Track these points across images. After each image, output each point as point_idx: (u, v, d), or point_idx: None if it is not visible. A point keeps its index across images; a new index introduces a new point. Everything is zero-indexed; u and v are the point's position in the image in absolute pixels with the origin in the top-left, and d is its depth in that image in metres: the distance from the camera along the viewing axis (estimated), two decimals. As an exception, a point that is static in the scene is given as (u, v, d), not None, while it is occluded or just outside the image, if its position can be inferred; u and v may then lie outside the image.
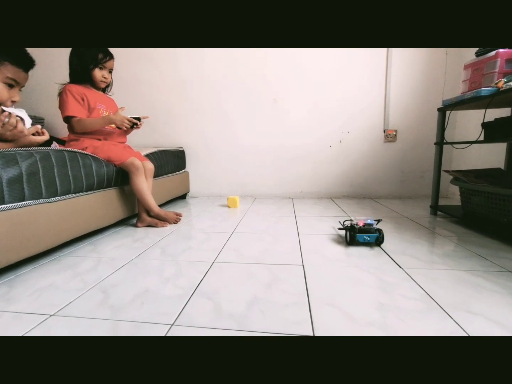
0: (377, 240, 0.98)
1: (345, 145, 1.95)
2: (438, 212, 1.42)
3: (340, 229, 1.13)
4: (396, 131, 1.89)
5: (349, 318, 0.57)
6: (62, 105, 1.14)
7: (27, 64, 0.82)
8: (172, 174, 1.79)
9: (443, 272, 0.77)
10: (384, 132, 1.90)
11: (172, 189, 1.78)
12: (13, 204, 0.76)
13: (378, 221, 1.04)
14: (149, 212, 1.31)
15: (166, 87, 2.04)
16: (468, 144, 1.18)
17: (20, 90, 0.82)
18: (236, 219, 1.42)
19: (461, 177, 1.24)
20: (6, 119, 0.76)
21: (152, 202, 1.25)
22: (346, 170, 1.97)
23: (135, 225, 1.30)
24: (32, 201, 0.82)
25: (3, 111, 0.77)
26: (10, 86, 0.80)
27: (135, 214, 1.38)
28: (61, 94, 1.16)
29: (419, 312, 0.58)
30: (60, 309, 0.62)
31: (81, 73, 1.17)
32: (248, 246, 1.01)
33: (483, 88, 1.06)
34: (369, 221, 1.01)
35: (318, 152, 1.98)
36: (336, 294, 0.67)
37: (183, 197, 2.08)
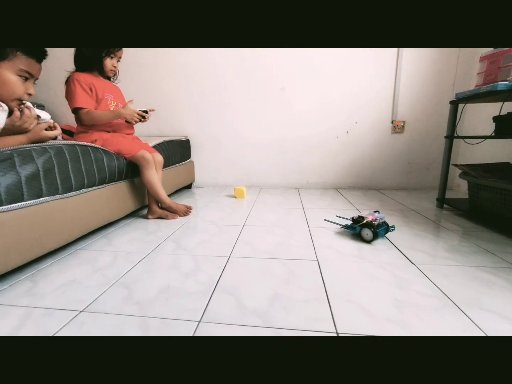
0: (387, 231, 1.03)
1: (352, 136, 1.93)
2: (445, 205, 1.44)
3: (346, 226, 1.08)
4: (404, 122, 1.87)
5: (368, 314, 0.60)
6: (70, 96, 1.11)
7: (40, 54, 0.79)
8: (178, 164, 1.78)
9: (454, 268, 0.79)
10: (392, 123, 1.88)
11: (179, 180, 1.78)
12: (32, 201, 0.76)
13: (377, 211, 1.08)
14: (159, 204, 1.31)
15: (170, 75, 1.98)
16: (481, 140, 1.17)
17: (34, 83, 0.80)
18: (245, 210, 1.43)
19: (470, 171, 1.24)
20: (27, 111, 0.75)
21: (164, 195, 1.26)
22: (352, 161, 1.97)
23: (146, 217, 1.31)
24: (49, 197, 0.82)
25: (22, 103, 0.76)
26: (25, 79, 0.77)
27: (144, 205, 1.39)
28: (68, 83, 1.12)
29: (435, 309, 0.61)
30: (88, 305, 0.64)
31: (91, 61, 1.13)
32: (261, 240, 1.03)
33: (499, 83, 1.04)
34: (377, 215, 1.03)
35: (325, 143, 1.97)
36: (353, 290, 0.69)
37: (188, 187, 2.08)
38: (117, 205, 1.16)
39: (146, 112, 1.26)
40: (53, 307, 0.64)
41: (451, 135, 1.33)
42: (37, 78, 0.81)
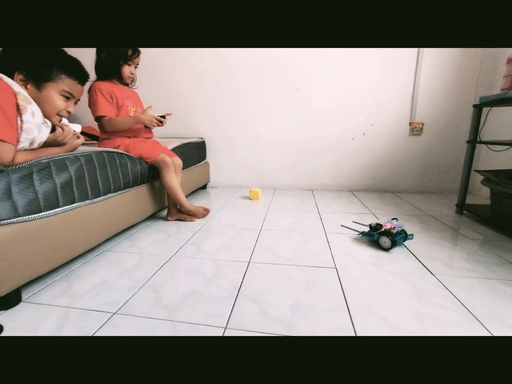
0: (405, 239, 1.03)
1: (368, 138, 1.91)
2: (464, 212, 1.41)
3: (364, 233, 1.07)
4: (422, 124, 1.83)
5: (389, 326, 0.61)
6: (92, 104, 1.16)
7: (83, 77, 0.85)
8: (194, 166, 1.82)
9: (476, 281, 0.79)
10: (410, 125, 1.85)
11: (195, 181, 1.82)
12: (66, 207, 0.81)
13: (396, 219, 1.07)
14: (178, 206, 1.36)
15: (187, 77, 2.01)
16: (508, 147, 1.14)
17: (75, 103, 0.85)
18: (261, 213, 1.45)
19: (493, 177, 1.22)
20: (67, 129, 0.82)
21: (183, 198, 1.30)
22: (368, 163, 1.95)
23: (166, 219, 1.36)
24: (80, 203, 0.87)
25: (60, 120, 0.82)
26: (67, 98, 0.82)
27: (163, 208, 1.43)
28: (90, 92, 1.17)
29: (457, 324, 0.61)
30: (120, 307, 0.69)
31: (110, 69, 1.17)
32: (279, 245, 1.05)
33: (528, 88, 1.01)
34: (397, 224, 1.03)
35: (340, 145, 1.95)
36: (373, 300, 0.71)
37: (203, 187, 2.12)
38: (139, 208, 1.21)
39: (163, 117, 1.30)
40: (88, 308, 0.68)
41: (473, 140, 1.30)
42: (78, 99, 0.86)
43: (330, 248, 1.02)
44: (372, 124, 1.88)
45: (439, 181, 1.90)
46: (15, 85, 0.69)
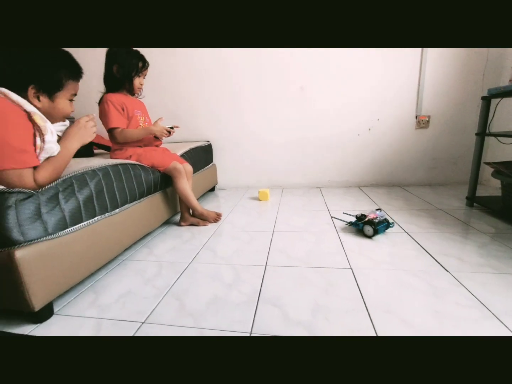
0: (387, 228, 1.14)
1: (375, 133, 1.91)
2: (475, 204, 1.42)
3: (351, 223, 1.19)
4: (429, 117, 1.82)
5: (409, 326, 0.63)
6: (104, 116, 1.19)
7: (80, 74, 0.85)
8: (203, 169, 1.84)
9: (491, 276, 0.80)
10: (416, 118, 1.84)
11: (204, 184, 1.85)
12: (88, 221, 0.84)
13: (379, 209, 1.18)
14: (191, 211, 1.38)
15: (190, 80, 2.02)
16: (516, 140, 1.14)
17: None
18: (272, 214, 1.47)
19: (504, 169, 1.21)
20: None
21: (196, 202, 1.33)
22: (375, 159, 1.95)
23: (179, 224, 1.39)
24: (100, 216, 0.90)
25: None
26: (71, 100, 0.84)
27: (176, 213, 1.46)
28: (102, 104, 1.20)
29: (475, 321, 0.63)
30: (148, 317, 0.72)
31: (121, 81, 1.20)
32: (293, 247, 1.07)
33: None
34: (380, 213, 1.14)
35: (346, 141, 1.95)
36: (390, 300, 0.73)
37: (212, 189, 2.14)
38: (154, 216, 1.24)
39: (171, 128, 1.33)
40: (118, 319, 0.72)
41: (482, 132, 1.30)
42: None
43: (343, 248, 1.04)
44: (378, 119, 1.88)
45: (448, 173, 1.90)
46: (27, 104, 0.69)
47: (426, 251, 0.98)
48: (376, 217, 1.11)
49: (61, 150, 0.79)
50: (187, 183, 1.31)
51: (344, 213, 1.36)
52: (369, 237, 1.10)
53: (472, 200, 1.39)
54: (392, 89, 1.82)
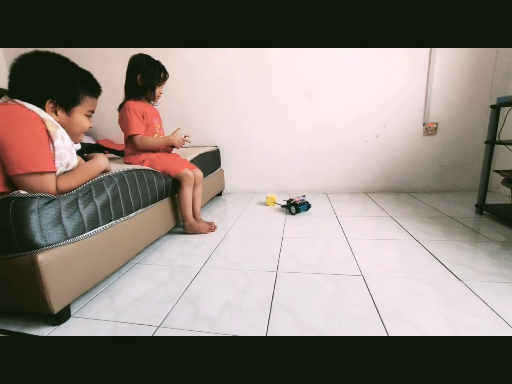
0: (308, 208, 1.61)
1: (382, 140, 1.92)
2: (484, 212, 1.41)
3: (283, 206, 1.68)
4: (437, 124, 1.82)
5: (422, 333, 0.63)
6: (125, 123, 1.22)
7: (99, 91, 0.88)
8: (211, 174, 1.86)
9: (504, 286, 0.80)
10: (423, 125, 1.84)
11: (212, 189, 1.87)
12: (105, 226, 0.86)
13: (304, 196, 1.67)
14: (197, 215, 1.39)
15: (199, 85, 2.06)
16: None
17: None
18: (280, 220, 1.48)
19: (514, 178, 1.21)
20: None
21: (189, 214, 1.31)
22: (382, 165, 1.96)
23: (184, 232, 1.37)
24: (116, 221, 0.92)
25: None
26: (89, 116, 0.87)
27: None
28: (123, 111, 1.23)
29: (489, 330, 0.63)
30: (163, 321, 0.73)
31: (143, 89, 1.24)
32: (303, 253, 1.08)
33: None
34: (301, 197, 1.64)
35: (354, 147, 1.96)
36: (403, 308, 0.73)
37: (219, 194, 2.16)
38: (165, 220, 1.26)
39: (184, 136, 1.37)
40: (134, 322, 0.73)
41: (492, 141, 1.30)
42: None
43: (353, 255, 1.04)
44: (385, 126, 1.89)
45: (455, 180, 1.89)
46: (41, 112, 0.70)
47: (437, 259, 0.98)
48: (299, 201, 1.58)
49: (89, 163, 0.84)
50: (191, 193, 1.32)
51: (284, 200, 1.73)
52: (293, 214, 1.56)
53: (482, 207, 1.39)
54: (400, 96, 1.83)
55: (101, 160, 0.89)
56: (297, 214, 1.57)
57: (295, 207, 1.55)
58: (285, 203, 1.68)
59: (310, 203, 1.63)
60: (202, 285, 0.89)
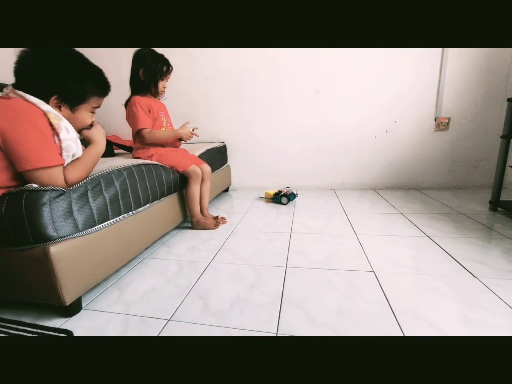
0: (294, 197, 1.73)
1: (391, 135, 1.88)
2: (498, 208, 1.37)
3: (273, 199, 1.77)
4: (449, 119, 1.78)
5: (440, 332, 0.62)
6: (133, 118, 1.22)
7: (107, 92, 0.87)
8: (218, 170, 1.86)
9: (522, 283, 0.78)
10: (435, 120, 1.80)
11: (219, 185, 1.86)
12: (114, 219, 0.86)
13: (289, 187, 1.89)
14: (204, 211, 1.39)
15: (206, 81, 2.05)
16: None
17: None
18: (288, 216, 1.47)
19: (531, 173, 1.17)
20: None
21: (197, 211, 1.31)
22: (391, 161, 1.92)
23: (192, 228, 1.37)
24: (125, 215, 0.92)
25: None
26: (92, 112, 0.86)
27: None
28: (130, 107, 1.23)
29: (509, 329, 0.61)
30: (173, 314, 0.73)
31: (147, 84, 1.23)
32: (312, 249, 1.07)
33: None
34: (288, 189, 1.78)
35: (362, 143, 1.93)
36: (417, 305, 0.71)
37: (225, 190, 2.16)
38: (173, 215, 1.26)
39: (192, 130, 1.36)
40: (144, 315, 0.73)
41: (508, 135, 1.26)
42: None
43: (364, 251, 1.03)
44: (395, 121, 1.85)
45: (468, 176, 1.85)
46: (42, 104, 0.69)
47: (451, 256, 0.95)
48: (287, 192, 1.71)
49: (90, 150, 0.81)
50: (198, 188, 1.31)
51: (274, 193, 1.79)
52: (285, 204, 1.68)
53: (496, 204, 1.35)
54: (411, 91, 1.79)
55: (100, 147, 0.85)
56: (304, 210, 1.56)
57: (286, 197, 1.69)
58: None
59: (296, 193, 1.81)
60: (211, 280, 0.89)
